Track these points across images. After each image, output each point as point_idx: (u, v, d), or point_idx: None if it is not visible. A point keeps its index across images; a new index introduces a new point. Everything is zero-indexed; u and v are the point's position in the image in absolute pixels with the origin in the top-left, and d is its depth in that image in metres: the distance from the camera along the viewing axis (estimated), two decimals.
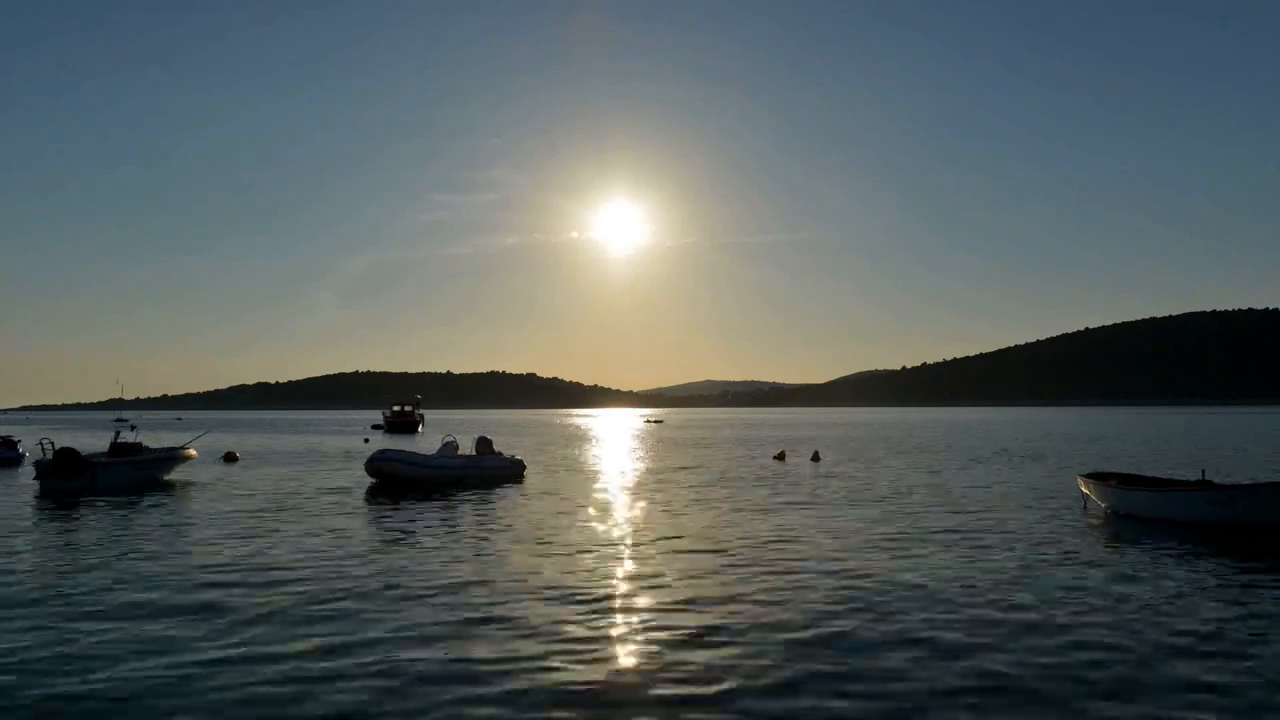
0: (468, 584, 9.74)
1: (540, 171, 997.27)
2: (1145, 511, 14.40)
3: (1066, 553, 11.60)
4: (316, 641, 7.40)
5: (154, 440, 29.26)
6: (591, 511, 16.25)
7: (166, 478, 23.22)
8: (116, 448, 22.65)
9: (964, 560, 11.16)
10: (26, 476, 23.96)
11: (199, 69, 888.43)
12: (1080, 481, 16.61)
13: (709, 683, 6.35)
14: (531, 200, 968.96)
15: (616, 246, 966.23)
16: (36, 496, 18.90)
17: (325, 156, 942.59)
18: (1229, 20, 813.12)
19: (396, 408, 79.06)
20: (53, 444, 21.77)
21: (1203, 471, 15.91)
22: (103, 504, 17.39)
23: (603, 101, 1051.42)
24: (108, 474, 20.72)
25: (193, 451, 25.49)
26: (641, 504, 17.50)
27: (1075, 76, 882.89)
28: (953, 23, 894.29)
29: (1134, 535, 12.89)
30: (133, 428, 26.68)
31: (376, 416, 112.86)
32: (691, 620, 8.07)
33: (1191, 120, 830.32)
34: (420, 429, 72.70)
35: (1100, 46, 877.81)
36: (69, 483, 19.84)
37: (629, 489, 20.76)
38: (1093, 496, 16.00)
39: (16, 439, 33.91)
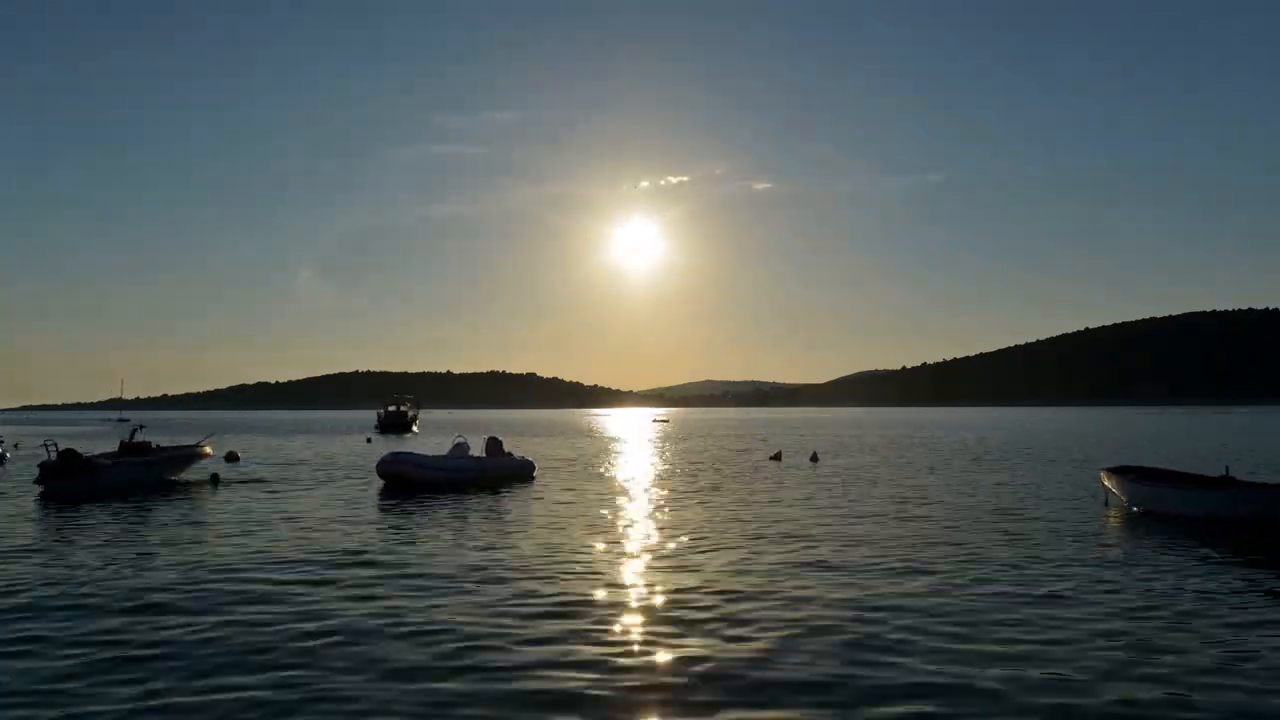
0: (478, 585, 9.62)
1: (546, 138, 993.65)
2: (1168, 508, 14.32)
3: (1088, 548, 11.50)
4: (331, 648, 7.26)
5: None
6: (597, 512, 16.12)
7: (176, 478, 22.80)
8: (125, 448, 22.31)
9: (986, 558, 11.02)
10: (16, 478, 23.68)
11: (189, 56, 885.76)
12: (1103, 476, 16.53)
13: (714, 689, 6.20)
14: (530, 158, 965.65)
15: (619, 247, 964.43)
16: (38, 499, 18.47)
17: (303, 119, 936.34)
18: (1229, 20, 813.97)
19: (391, 407, 77.62)
20: (56, 445, 21.36)
21: (1226, 468, 15.78)
22: (100, 507, 16.79)
23: (605, 98, 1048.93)
24: (111, 475, 20.23)
25: (209, 449, 25.11)
26: (644, 505, 17.35)
27: (1075, 75, 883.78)
28: (954, 20, 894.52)
29: (1156, 532, 12.77)
30: (141, 427, 26.28)
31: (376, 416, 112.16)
32: (695, 626, 7.87)
33: (1192, 119, 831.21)
34: (414, 429, 71.29)
35: (1102, 45, 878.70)
36: (70, 484, 19.36)
37: (633, 489, 20.60)
38: (1115, 492, 15.92)
39: None
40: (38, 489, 19.56)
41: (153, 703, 5.88)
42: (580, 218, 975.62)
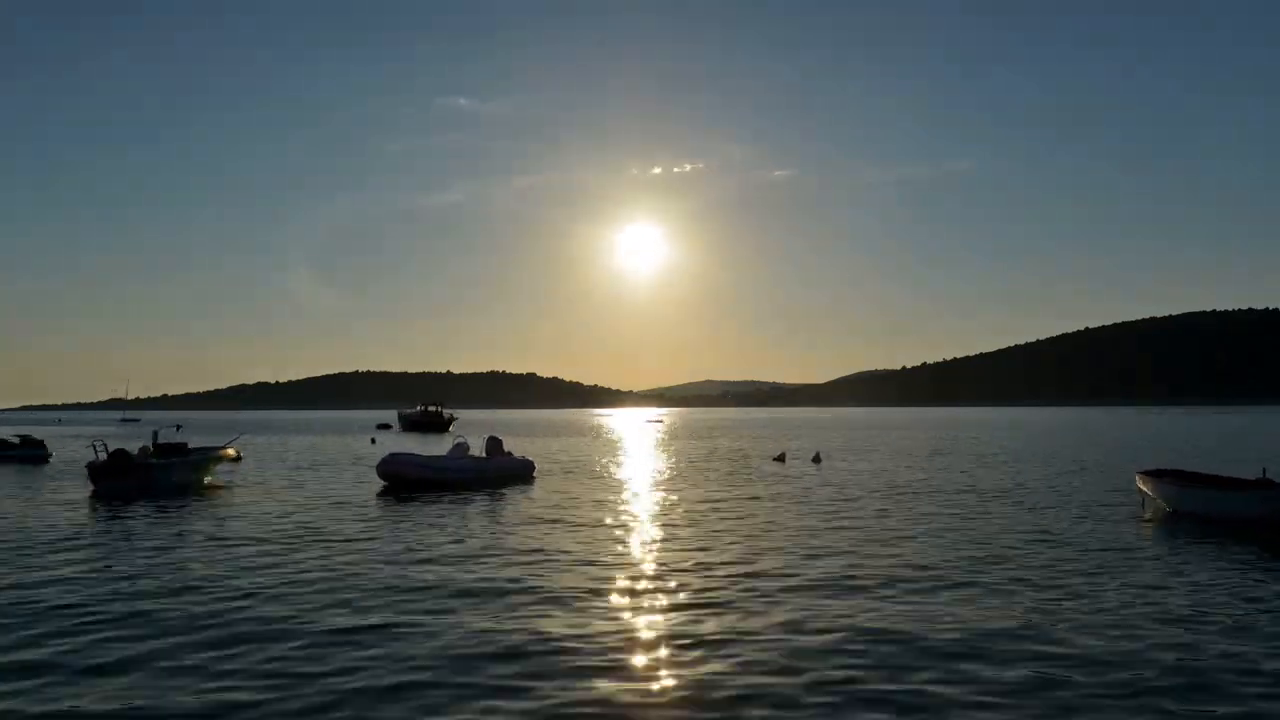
0: (479, 587, 9.43)
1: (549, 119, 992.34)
2: (1206, 510, 14.03)
3: (1131, 553, 11.15)
4: (336, 651, 7.02)
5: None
6: (593, 513, 15.82)
7: (205, 479, 22.71)
8: (162, 448, 22.24)
9: (1024, 563, 10.59)
10: (61, 476, 24.25)
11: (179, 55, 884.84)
12: (1139, 479, 16.12)
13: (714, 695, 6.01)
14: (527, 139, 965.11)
15: (619, 248, 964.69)
16: (91, 497, 18.61)
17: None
18: (1229, 19, 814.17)
19: (421, 407, 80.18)
20: (105, 445, 21.63)
21: (1264, 470, 15.25)
22: (155, 506, 16.94)
23: (611, 83, 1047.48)
24: (161, 475, 20.43)
25: (232, 451, 25.31)
26: (642, 506, 17.01)
27: (1075, 74, 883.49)
28: (953, 21, 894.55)
29: (1195, 534, 12.50)
30: (178, 428, 26.80)
31: (378, 416, 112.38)
32: (696, 631, 7.56)
33: (1191, 119, 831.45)
34: (451, 429, 72.60)
35: (1101, 45, 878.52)
36: (122, 484, 19.52)
37: (632, 490, 20.30)
38: (1151, 494, 15.53)
39: (39, 439, 35.30)
40: (89, 487, 19.83)
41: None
42: (583, 213, 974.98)
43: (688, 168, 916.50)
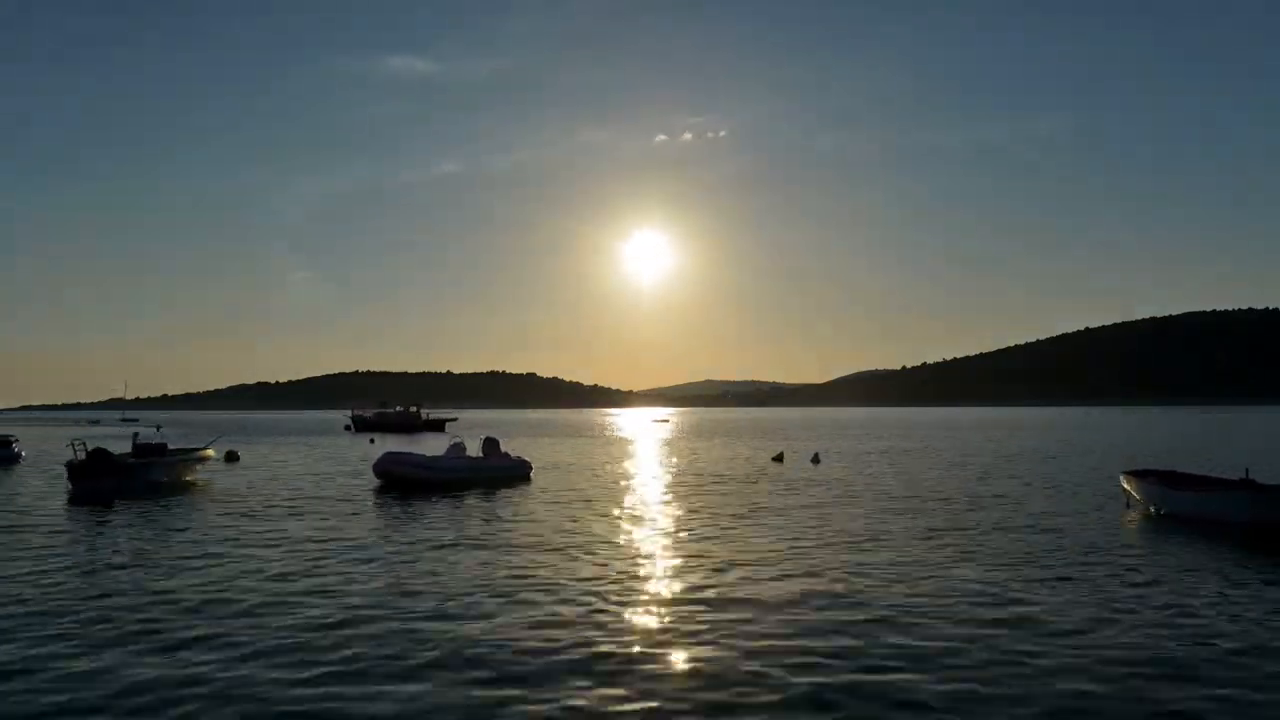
0: (475, 587, 9.47)
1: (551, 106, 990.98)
2: (1189, 510, 14.08)
3: (1111, 553, 11.22)
4: (333, 654, 7.04)
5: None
6: (593, 513, 15.90)
7: (186, 479, 22.89)
8: (140, 449, 22.40)
9: (1007, 563, 10.68)
10: (32, 476, 24.15)
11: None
12: (1123, 479, 16.24)
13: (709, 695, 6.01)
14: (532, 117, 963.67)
15: (621, 252, 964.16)
16: (68, 498, 18.58)
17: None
18: (1230, 18, 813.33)
19: (400, 408, 78.57)
20: (85, 445, 21.53)
21: (1246, 470, 15.40)
22: (137, 506, 16.96)
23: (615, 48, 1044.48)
24: (138, 475, 20.50)
25: (210, 452, 25.64)
26: (643, 506, 17.08)
27: (1075, 73, 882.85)
28: (949, 17, 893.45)
29: (1178, 535, 12.57)
30: (158, 428, 26.95)
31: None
32: (693, 632, 7.60)
33: (1192, 119, 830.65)
34: (445, 429, 70.61)
35: (1100, 44, 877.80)
36: (101, 484, 19.56)
37: (631, 491, 20.37)
38: (1135, 495, 15.65)
39: (14, 439, 33.92)
40: (67, 486, 19.75)
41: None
42: (585, 213, 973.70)
43: (722, 133, 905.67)
